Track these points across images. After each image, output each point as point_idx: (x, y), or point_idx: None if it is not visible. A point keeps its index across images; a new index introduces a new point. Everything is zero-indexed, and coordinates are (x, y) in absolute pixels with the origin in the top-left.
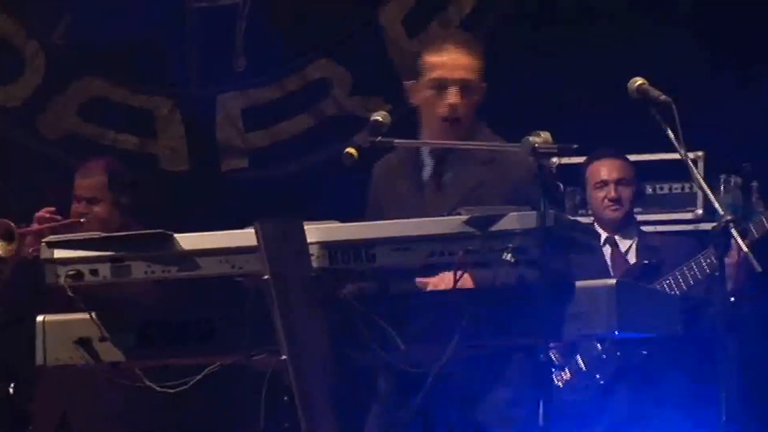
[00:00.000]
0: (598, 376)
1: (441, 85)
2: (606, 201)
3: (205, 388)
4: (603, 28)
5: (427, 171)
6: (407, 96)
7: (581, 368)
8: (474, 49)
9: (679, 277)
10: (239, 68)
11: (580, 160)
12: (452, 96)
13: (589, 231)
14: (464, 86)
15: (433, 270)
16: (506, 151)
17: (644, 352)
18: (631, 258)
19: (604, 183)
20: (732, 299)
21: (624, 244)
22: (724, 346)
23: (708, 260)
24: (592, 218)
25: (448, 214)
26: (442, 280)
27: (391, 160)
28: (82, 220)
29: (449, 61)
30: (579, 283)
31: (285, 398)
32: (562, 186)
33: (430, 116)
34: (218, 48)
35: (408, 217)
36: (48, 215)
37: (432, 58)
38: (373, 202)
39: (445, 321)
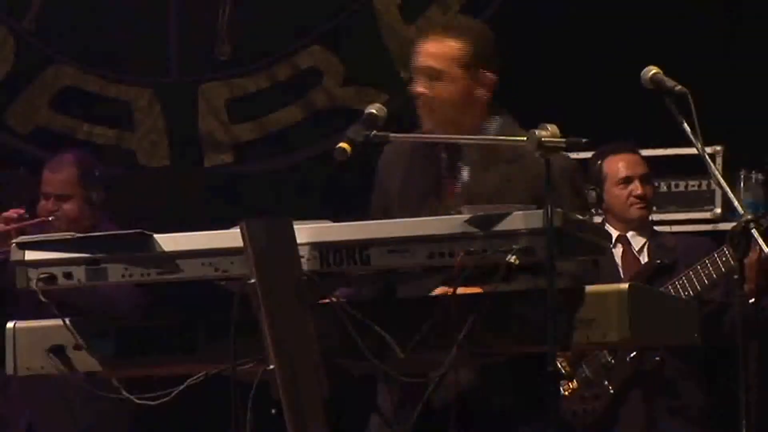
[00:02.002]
0: (606, 383)
1: (413, 73)
2: (632, 198)
3: (186, 399)
4: (615, 13)
5: (443, 167)
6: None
7: (588, 376)
8: (454, 35)
9: (693, 276)
10: (223, 56)
11: (587, 155)
12: (418, 85)
13: (601, 231)
14: (431, 75)
15: (432, 272)
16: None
17: (657, 358)
18: (643, 258)
19: (628, 179)
20: (752, 300)
21: (636, 243)
22: (745, 353)
23: (723, 258)
24: (602, 217)
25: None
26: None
27: (403, 145)
28: (50, 218)
29: (422, 49)
30: (588, 288)
31: (273, 411)
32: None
33: (416, 105)
34: (200, 34)
35: (426, 214)
36: (16, 215)
37: (416, 45)
38: (380, 189)
39: (446, 327)
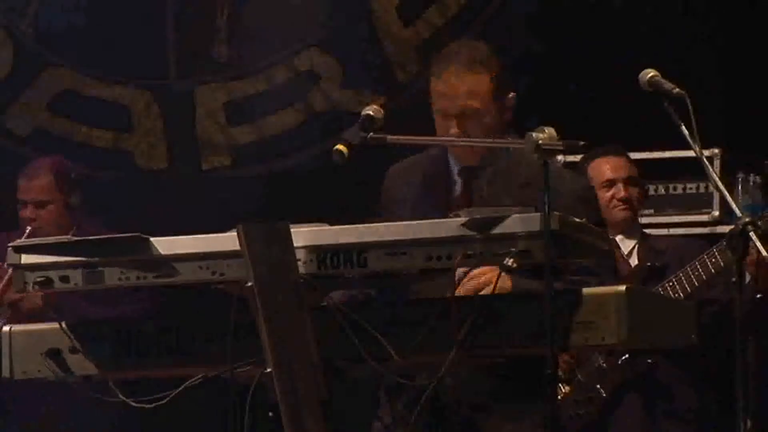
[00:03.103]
0: (599, 387)
1: (444, 116)
2: (614, 201)
3: (183, 402)
4: (614, 14)
5: (457, 190)
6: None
7: (581, 380)
8: (480, 66)
9: (683, 278)
10: (221, 58)
11: (578, 158)
12: (454, 128)
13: (600, 234)
14: (467, 115)
15: (429, 275)
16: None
17: (648, 361)
18: (633, 261)
19: (612, 182)
20: (759, 296)
21: (626, 246)
22: (743, 354)
23: (713, 260)
24: None
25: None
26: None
27: (414, 167)
28: (28, 228)
29: (449, 90)
30: (586, 290)
31: (270, 414)
32: None
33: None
34: (198, 36)
35: None
36: None
37: (434, 85)
38: (386, 210)
39: (442, 330)
